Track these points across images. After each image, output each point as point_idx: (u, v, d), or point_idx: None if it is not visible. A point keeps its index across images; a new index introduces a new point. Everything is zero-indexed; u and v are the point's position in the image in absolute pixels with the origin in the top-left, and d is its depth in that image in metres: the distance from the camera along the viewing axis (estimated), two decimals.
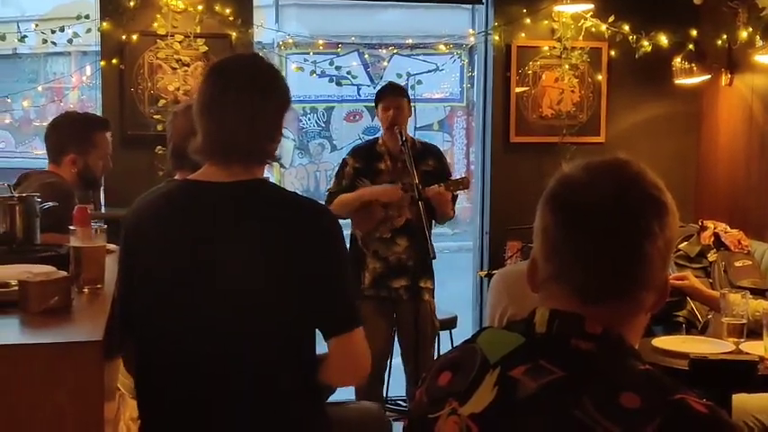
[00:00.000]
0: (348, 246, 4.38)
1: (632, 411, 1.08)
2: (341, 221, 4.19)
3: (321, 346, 2.05)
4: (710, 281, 4.14)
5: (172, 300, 1.95)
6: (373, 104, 4.51)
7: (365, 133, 12.91)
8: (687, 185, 5.36)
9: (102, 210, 4.34)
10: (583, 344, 1.17)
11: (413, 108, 4.52)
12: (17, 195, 2.58)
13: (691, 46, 5.13)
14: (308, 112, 13.60)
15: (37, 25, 5.02)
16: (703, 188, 5.44)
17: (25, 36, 4.94)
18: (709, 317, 3.88)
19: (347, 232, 4.39)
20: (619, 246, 1.19)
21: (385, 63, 11.45)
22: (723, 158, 5.27)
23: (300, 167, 13.77)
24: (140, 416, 2.09)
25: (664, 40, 5.12)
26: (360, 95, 12.36)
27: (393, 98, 4.34)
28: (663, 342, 3.24)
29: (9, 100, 6.52)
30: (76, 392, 1.55)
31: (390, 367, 4.57)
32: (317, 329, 2.01)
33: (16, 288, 1.80)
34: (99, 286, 2.01)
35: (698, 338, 3.45)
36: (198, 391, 1.95)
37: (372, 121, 12.41)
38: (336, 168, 4.52)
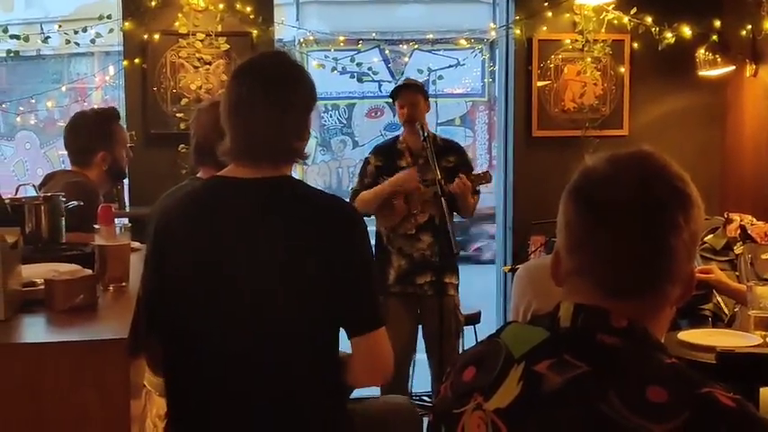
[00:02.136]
0: (373, 243, 4.40)
1: (659, 405, 1.07)
2: (365, 219, 4.15)
3: (344, 346, 2.04)
4: (737, 273, 4.10)
5: (196, 298, 1.95)
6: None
7: (387, 129, 12.88)
8: (712, 178, 5.31)
9: (127, 208, 4.37)
10: (608, 338, 1.16)
11: (434, 104, 4.49)
12: (42, 195, 2.61)
13: (714, 37, 5.09)
14: (330, 108, 13.59)
15: (60, 26, 5.06)
16: (728, 180, 5.39)
17: (48, 37, 4.98)
18: (736, 310, 3.84)
19: (372, 229, 4.41)
20: (644, 239, 1.18)
21: (406, 59, 11.43)
22: (748, 150, 5.22)
23: (322, 164, 13.78)
24: (169, 413, 2.10)
25: (687, 31, 5.07)
26: (381, 92, 12.31)
27: (407, 95, 4.33)
28: (689, 335, 3.21)
29: (33, 101, 6.56)
30: (102, 390, 1.56)
31: (414, 363, 4.56)
32: (340, 328, 2.00)
33: (42, 287, 1.82)
34: (124, 284, 2.02)
35: (724, 332, 3.41)
36: (221, 389, 1.95)
37: (394, 117, 12.39)
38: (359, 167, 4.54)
